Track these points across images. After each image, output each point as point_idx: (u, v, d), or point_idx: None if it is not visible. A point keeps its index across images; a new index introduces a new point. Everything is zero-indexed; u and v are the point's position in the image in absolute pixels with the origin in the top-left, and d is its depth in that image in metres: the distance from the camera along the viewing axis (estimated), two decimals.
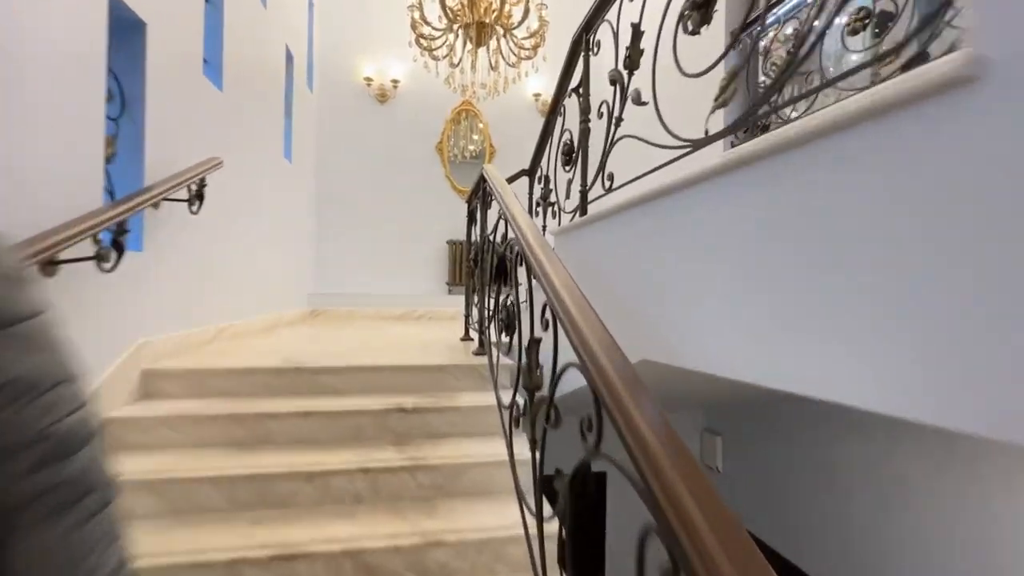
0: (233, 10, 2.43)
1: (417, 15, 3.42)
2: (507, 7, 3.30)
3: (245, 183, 2.62)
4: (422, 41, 3.52)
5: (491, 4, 3.32)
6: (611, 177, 1.43)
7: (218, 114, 2.28)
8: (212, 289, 2.26)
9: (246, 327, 2.59)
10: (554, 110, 1.86)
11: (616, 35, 1.38)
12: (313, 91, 4.26)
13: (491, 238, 1.85)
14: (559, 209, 1.88)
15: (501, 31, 3.42)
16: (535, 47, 3.45)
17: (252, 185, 2.74)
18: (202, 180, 1.96)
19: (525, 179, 2.49)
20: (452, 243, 4.57)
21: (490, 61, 3.48)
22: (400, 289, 4.56)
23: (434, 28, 3.44)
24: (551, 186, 1.98)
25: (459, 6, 3.37)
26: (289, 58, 3.52)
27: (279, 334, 2.79)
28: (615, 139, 1.38)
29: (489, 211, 1.95)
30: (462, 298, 2.64)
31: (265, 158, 3.00)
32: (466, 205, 2.57)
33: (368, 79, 4.39)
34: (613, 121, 1.38)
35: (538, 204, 2.11)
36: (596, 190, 1.53)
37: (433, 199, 4.63)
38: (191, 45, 2.03)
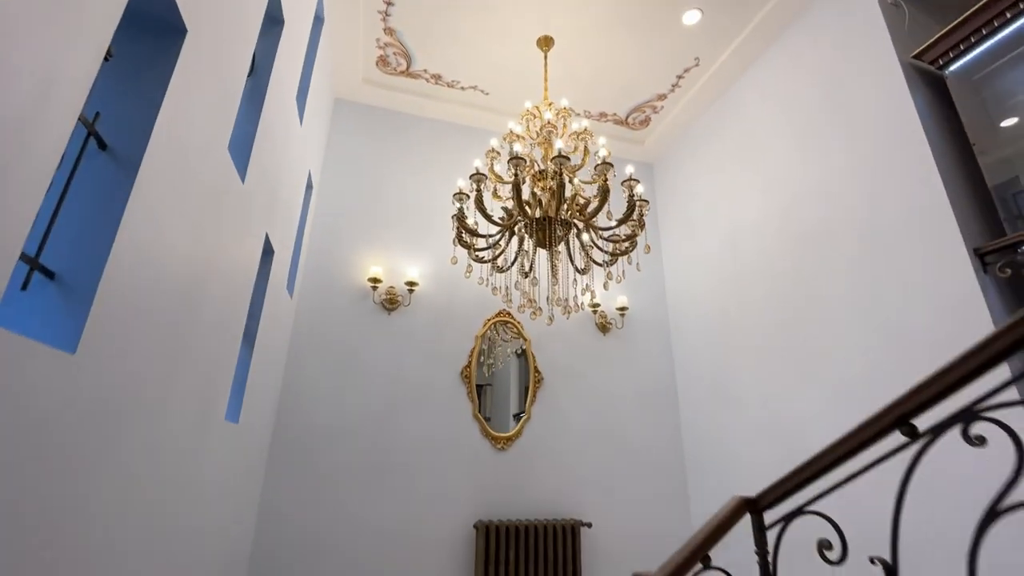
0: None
1: (466, 207, 2.39)
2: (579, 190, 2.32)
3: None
4: (464, 237, 2.43)
5: (575, 198, 2.35)
6: None
7: None
8: None
9: None
10: None
11: None
12: (294, 296, 2.99)
13: None
14: None
15: (580, 225, 2.41)
16: (631, 237, 2.34)
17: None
18: None
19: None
20: (483, 526, 2.87)
21: (574, 263, 2.36)
22: None
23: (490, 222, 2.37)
24: None
25: (532, 201, 2.38)
26: (268, 252, 2.30)
27: None
28: None
29: None
30: None
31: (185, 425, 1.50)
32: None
33: (375, 280, 3.19)
34: None
35: None
36: None
37: (455, 452, 3.08)
38: None
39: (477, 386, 3.27)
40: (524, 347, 3.45)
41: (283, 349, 2.85)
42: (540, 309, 2.50)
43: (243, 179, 1.77)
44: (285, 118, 2.24)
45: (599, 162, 2.24)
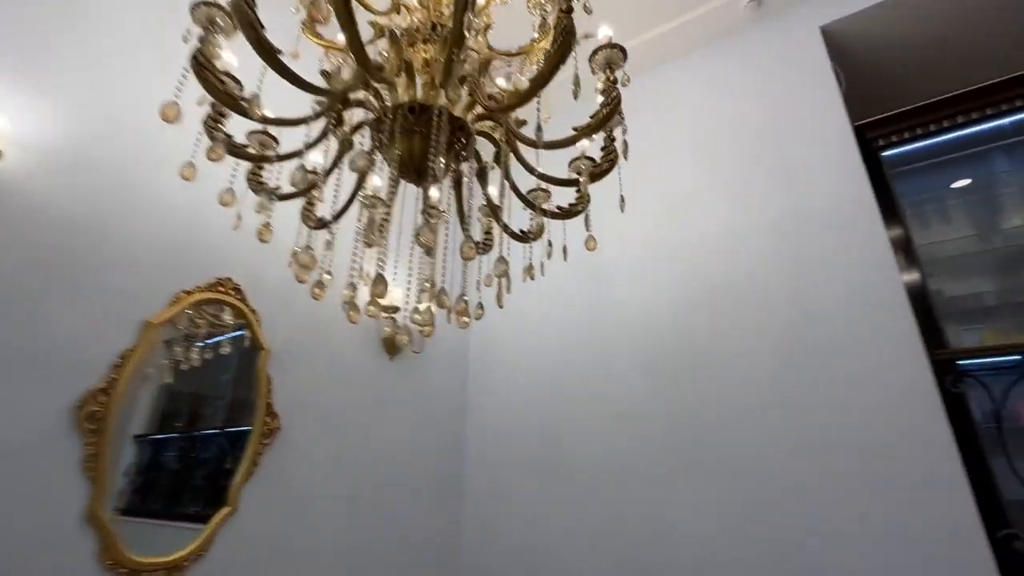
0: None
1: None
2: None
3: None
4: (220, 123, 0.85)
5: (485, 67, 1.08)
6: None
7: None
8: None
9: None
10: None
11: None
12: None
13: None
14: None
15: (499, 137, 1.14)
16: (604, 172, 1.14)
17: None
18: None
19: None
20: None
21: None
22: None
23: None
24: None
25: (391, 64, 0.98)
26: None
27: None
28: None
29: None
30: None
31: None
32: None
33: None
34: None
35: None
36: None
37: None
38: None
39: (134, 437, 1.40)
40: (257, 362, 1.75)
41: None
42: (394, 312, 1.08)
43: None
44: None
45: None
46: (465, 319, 1.04)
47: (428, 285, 1.07)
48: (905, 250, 1.87)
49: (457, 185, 1.25)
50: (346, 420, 1.99)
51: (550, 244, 1.20)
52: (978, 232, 2.01)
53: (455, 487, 2.42)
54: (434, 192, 1.02)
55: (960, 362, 1.68)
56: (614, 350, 2.26)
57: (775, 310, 1.94)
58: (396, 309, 2.11)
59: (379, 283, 0.95)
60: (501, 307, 1.14)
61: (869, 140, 2.06)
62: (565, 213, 1.18)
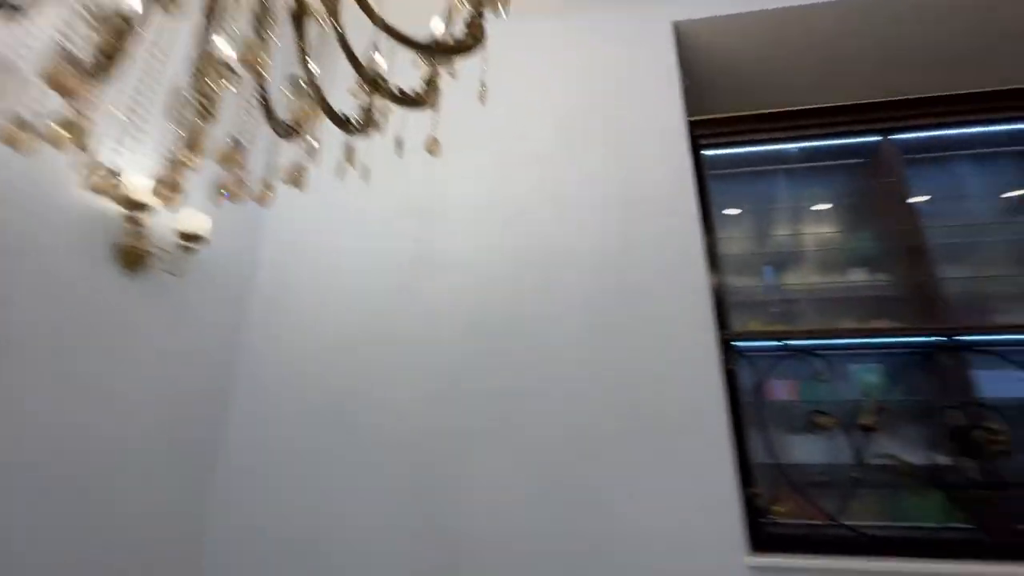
0: None
1: None
2: None
3: None
4: None
5: None
6: None
7: None
8: None
9: None
10: None
11: None
12: None
13: None
14: None
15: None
16: (473, 37, 0.99)
17: None
18: None
19: None
20: None
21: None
22: None
23: None
24: None
25: None
26: None
27: None
28: None
29: None
30: None
31: None
32: None
33: None
34: None
35: None
36: None
37: None
38: None
39: None
40: None
41: None
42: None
43: None
44: None
45: None
46: (238, 194, 0.70)
47: (184, 147, 0.70)
48: (709, 243, 2.05)
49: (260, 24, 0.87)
50: (49, 356, 1.38)
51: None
52: (756, 237, 2.34)
53: (210, 451, 1.94)
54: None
55: (736, 343, 1.91)
56: (433, 302, 2.05)
57: (598, 279, 1.96)
58: (142, 206, 1.58)
59: (73, 130, 0.57)
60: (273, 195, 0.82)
61: (695, 137, 2.22)
62: (408, 100, 0.90)
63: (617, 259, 1.98)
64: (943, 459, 1.68)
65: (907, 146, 2.13)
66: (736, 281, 2.23)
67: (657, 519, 1.63)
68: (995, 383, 1.73)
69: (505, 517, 1.72)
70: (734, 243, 2.29)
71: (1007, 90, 2.01)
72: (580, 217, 2.08)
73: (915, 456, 1.70)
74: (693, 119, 2.22)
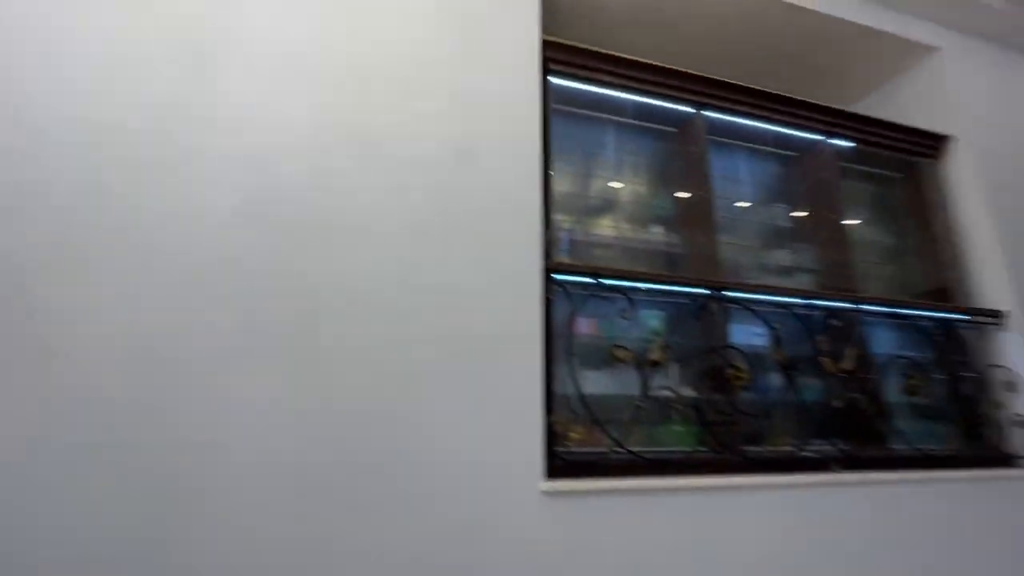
0: None
1: None
2: None
3: None
4: None
5: None
6: None
7: None
8: None
9: None
10: None
11: None
12: None
13: None
14: None
15: None
16: None
17: None
18: None
19: None
20: None
21: None
22: None
23: None
24: None
25: None
26: None
27: None
28: None
29: None
30: None
31: None
32: None
33: None
34: None
35: None
36: None
37: None
38: None
39: None
40: None
41: None
42: None
43: None
44: None
45: None
46: None
47: None
48: (545, 169, 1.95)
49: None
50: None
51: None
52: (581, 180, 2.36)
53: None
54: None
55: (555, 275, 1.86)
56: (198, 169, 1.47)
57: (427, 178, 1.67)
58: None
59: None
60: None
61: (547, 58, 2.08)
62: None
63: (452, 161, 1.72)
64: (703, 393, 1.95)
65: (712, 125, 2.38)
66: (557, 216, 2.21)
67: (456, 443, 1.47)
68: (742, 333, 2.07)
69: (273, 436, 1.34)
70: (562, 180, 2.25)
71: (795, 99, 2.40)
72: (416, 96, 1.74)
73: (684, 390, 1.92)
74: (548, 39, 2.07)
